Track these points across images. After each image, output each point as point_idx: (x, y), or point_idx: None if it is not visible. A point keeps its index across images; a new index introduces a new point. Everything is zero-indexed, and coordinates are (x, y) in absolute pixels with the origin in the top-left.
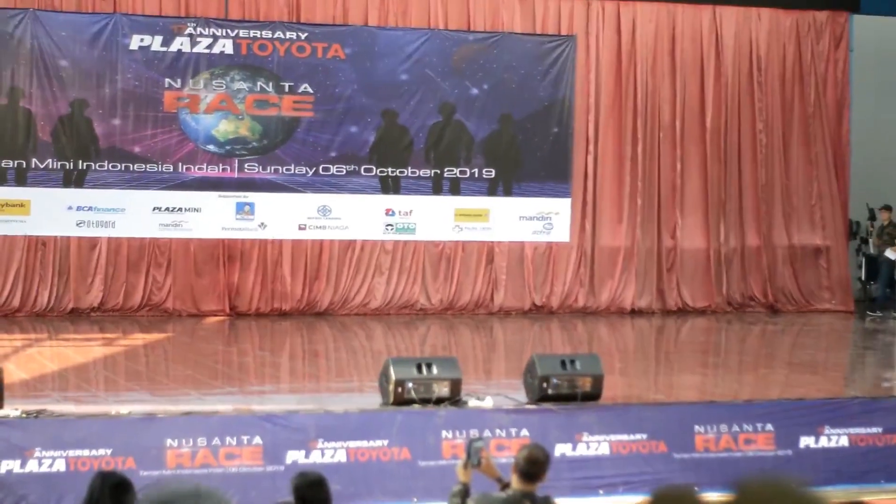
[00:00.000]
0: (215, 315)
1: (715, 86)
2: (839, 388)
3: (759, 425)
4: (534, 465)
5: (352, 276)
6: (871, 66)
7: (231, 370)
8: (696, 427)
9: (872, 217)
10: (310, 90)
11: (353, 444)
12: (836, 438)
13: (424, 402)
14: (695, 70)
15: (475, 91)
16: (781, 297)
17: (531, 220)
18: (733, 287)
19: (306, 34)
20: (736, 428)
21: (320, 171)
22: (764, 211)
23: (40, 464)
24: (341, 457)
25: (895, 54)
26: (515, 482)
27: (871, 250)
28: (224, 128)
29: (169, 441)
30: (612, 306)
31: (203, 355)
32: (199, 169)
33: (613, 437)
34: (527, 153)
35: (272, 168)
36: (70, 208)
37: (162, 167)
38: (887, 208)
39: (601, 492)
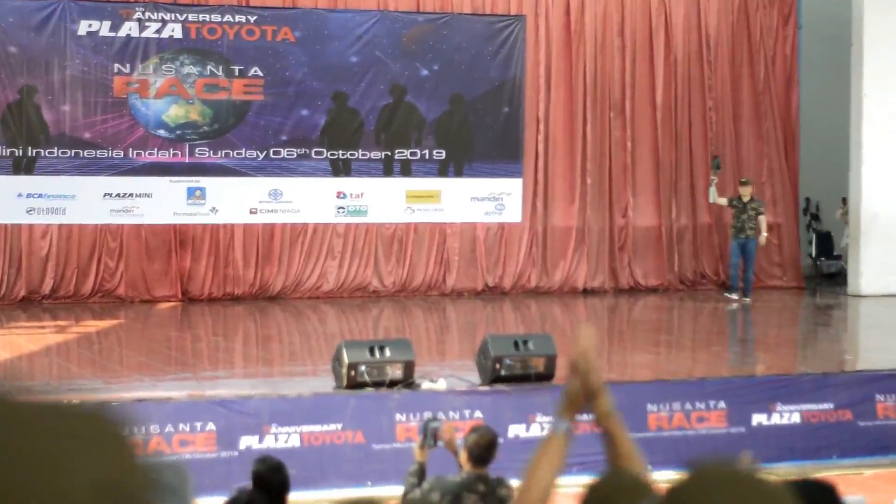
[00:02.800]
0: (168, 301)
1: (665, 64)
2: (791, 364)
3: (711, 403)
4: (484, 450)
5: (304, 260)
6: (820, 41)
7: (184, 356)
8: (649, 406)
9: (717, 167)
10: (260, 73)
11: (306, 428)
12: (788, 415)
13: (378, 385)
14: (644, 48)
15: (425, 72)
16: None
17: (483, 201)
18: (685, 265)
19: (255, 17)
20: (688, 406)
21: (271, 154)
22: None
23: None
24: (295, 441)
25: (843, 29)
26: (467, 465)
27: (711, 199)
28: (174, 112)
29: None
30: (564, 286)
31: (156, 341)
32: (150, 154)
33: None
34: (478, 134)
35: (223, 152)
36: (20, 195)
37: (112, 153)
38: (748, 183)
39: None
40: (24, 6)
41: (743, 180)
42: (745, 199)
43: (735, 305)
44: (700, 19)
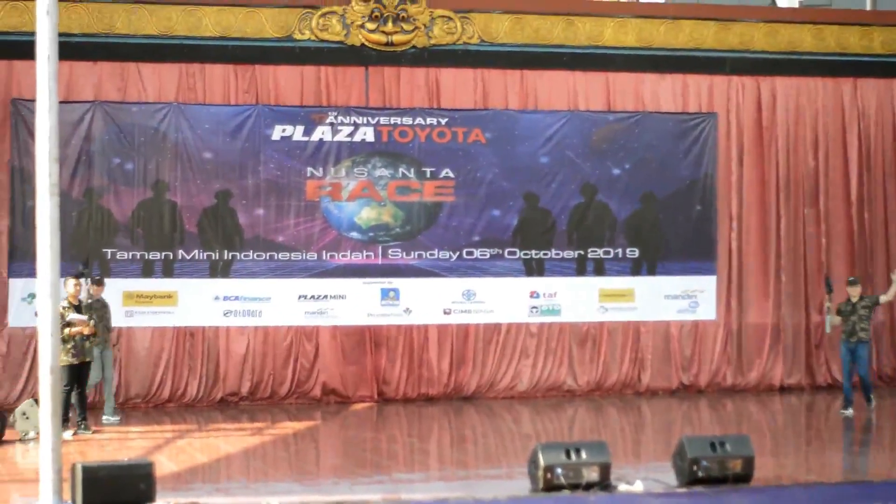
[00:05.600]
0: (363, 401)
1: (858, 157)
2: None
3: None
4: None
5: (498, 360)
6: None
7: (380, 458)
8: None
9: (829, 289)
10: (451, 175)
11: None
12: None
13: (574, 487)
14: (837, 141)
15: (616, 171)
16: None
17: (676, 299)
18: (884, 361)
19: (446, 119)
20: None
21: (464, 255)
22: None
23: None
24: None
25: None
26: None
27: (828, 328)
28: (366, 215)
29: None
30: (760, 384)
31: (351, 443)
32: (343, 256)
33: None
34: (670, 231)
35: (416, 253)
36: (217, 298)
37: (306, 255)
38: (857, 282)
39: None
40: (220, 112)
41: (851, 279)
42: (854, 300)
43: (849, 413)
44: (893, 113)
